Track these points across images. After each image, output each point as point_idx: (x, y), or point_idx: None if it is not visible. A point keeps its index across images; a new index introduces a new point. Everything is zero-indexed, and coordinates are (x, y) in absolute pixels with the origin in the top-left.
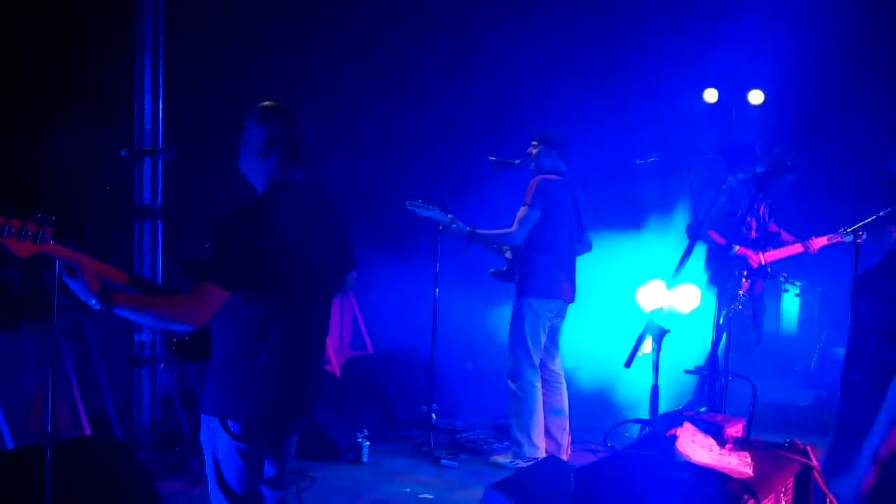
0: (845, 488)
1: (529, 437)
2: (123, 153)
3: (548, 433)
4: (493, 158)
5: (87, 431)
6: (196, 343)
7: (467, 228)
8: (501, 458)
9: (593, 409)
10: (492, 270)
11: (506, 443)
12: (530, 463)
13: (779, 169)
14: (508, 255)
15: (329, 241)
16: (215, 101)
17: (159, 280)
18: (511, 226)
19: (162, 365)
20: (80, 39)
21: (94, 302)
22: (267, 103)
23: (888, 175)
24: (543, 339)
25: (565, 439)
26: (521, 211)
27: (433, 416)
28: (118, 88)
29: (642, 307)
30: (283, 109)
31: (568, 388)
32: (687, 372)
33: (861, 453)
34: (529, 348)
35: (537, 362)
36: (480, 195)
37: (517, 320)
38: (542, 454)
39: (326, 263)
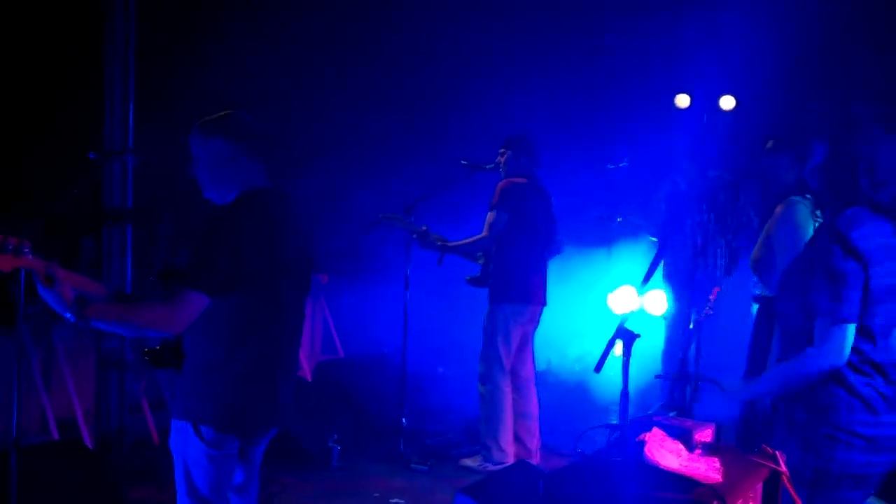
0: None
1: (497, 442)
2: (91, 156)
3: (517, 438)
4: (465, 162)
5: (55, 436)
6: (168, 351)
7: (439, 242)
8: (471, 462)
9: (565, 412)
10: (467, 277)
11: (475, 447)
12: (499, 467)
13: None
14: (481, 261)
15: (302, 244)
16: (186, 106)
17: (129, 283)
18: (481, 232)
19: (131, 370)
20: (49, 41)
21: (69, 315)
22: (213, 116)
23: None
24: (515, 344)
25: (535, 444)
26: (490, 216)
27: (404, 420)
28: (88, 90)
29: (614, 311)
30: (229, 115)
31: (539, 392)
32: (657, 377)
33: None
34: (501, 354)
35: (508, 368)
36: (451, 199)
37: (490, 326)
38: (510, 459)
39: (302, 267)
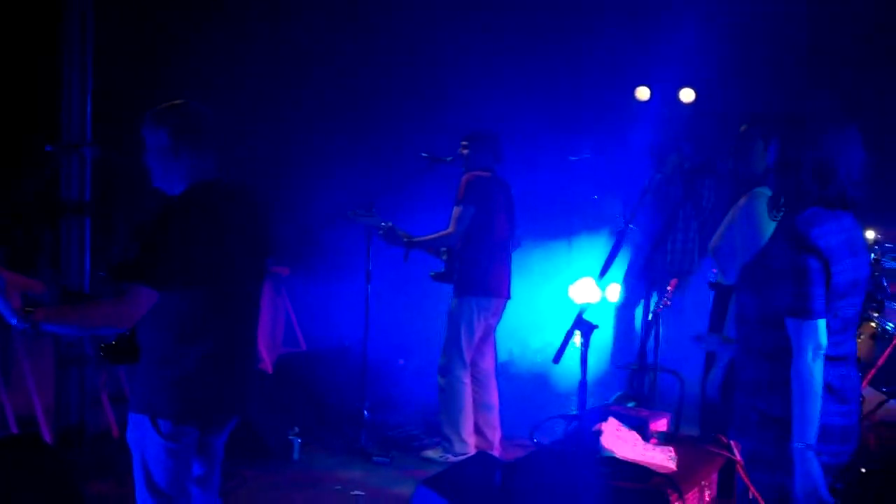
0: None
1: (458, 433)
2: (48, 149)
3: (478, 429)
4: (426, 155)
5: (14, 432)
6: (124, 346)
7: (405, 238)
8: (432, 454)
9: (526, 403)
10: (432, 273)
11: (436, 438)
12: (460, 458)
13: (706, 168)
14: (444, 256)
15: (256, 233)
16: (142, 100)
17: (87, 277)
18: (447, 227)
19: (90, 364)
20: (4, 32)
21: (15, 322)
22: (164, 105)
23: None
24: (478, 337)
25: (495, 435)
26: (456, 211)
27: (365, 412)
28: (45, 82)
29: (576, 303)
30: (178, 105)
31: (500, 383)
32: (616, 367)
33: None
34: (462, 346)
35: (468, 360)
36: (412, 193)
37: (455, 318)
38: (471, 450)
39: (255, 259)
